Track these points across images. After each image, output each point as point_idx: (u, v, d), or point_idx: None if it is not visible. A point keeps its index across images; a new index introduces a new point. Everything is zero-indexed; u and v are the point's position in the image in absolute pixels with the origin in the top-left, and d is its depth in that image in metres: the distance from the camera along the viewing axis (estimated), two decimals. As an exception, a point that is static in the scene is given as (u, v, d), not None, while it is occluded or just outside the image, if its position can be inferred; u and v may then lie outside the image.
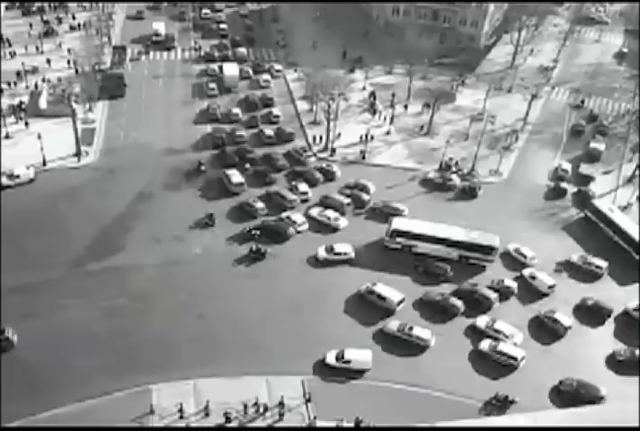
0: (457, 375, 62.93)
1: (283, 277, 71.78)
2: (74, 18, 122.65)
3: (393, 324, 66.44)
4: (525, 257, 77.65)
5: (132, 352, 60.79)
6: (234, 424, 55.91)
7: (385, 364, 62.92)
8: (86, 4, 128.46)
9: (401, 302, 68.66)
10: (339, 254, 73.64)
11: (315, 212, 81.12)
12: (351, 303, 69.47)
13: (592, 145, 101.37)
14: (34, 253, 70.74)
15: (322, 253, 73.82)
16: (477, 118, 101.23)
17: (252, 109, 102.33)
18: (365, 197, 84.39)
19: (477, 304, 69.96)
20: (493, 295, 70.69)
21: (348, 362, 60.64)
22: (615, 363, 66.39)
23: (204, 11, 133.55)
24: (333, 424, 56.40)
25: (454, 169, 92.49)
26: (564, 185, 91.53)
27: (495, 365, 64.32)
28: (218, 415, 55.99)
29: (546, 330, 69.09)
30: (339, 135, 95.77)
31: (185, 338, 62.68)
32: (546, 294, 73.61)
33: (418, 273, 74.20)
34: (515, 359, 63.96)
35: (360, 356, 61.19)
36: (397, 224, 76.27)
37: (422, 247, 75.80)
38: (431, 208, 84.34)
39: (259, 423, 56.43)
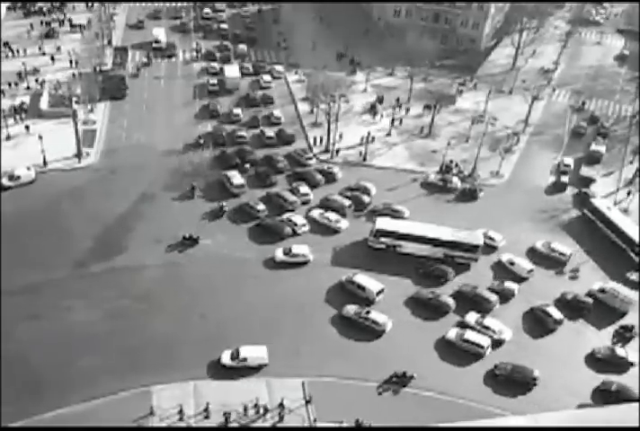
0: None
1: (282, 277, 71.62)
2: (70, 21, 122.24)
3: (351, 308, 67.34)
4: (494, 240, 78.84)
5: (134, 353, 60.75)
6: (234, 425, 55.87)
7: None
8: (87, 4, 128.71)
9: (380, 292, 69.43)
10: (296, 256, 72.89)
11: (315, 214, 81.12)
12: (332, 292, 70.35)
13: (593, 147, 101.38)
14: (36, 254, 70.73)
15: (279, 255, 73.03)
16: (478, 120, 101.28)
17: (252, 106, 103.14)
18: (366, 198, 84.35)
19: (478, 306, 69.90)
20: (494, 297, 70.71)
21: (244, 360, 59.92)
22: (594, 360, 66.31)
23: (205, 10, 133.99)
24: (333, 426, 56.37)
25: (455, 171, 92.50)
26: (564, 179, 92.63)
27: (462, 354, 64.94)
28: (218, 417, 55.93)
29: (538, 323, 69.62)
30: (341, 136, 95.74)
31: (187, 339, 62.63)
32: (525, 279, 75.01)
33: (419, 275, 74.15)
34: (482, 347, 64.55)
35: (255, 352, 60.50)
36: (381, 224, 76.13)
37: (407, 246, 75.76)
38: (432, 210, 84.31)
39: (259, 425, 56.35)
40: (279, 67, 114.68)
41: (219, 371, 60.00)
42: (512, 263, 76.11)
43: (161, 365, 60.00)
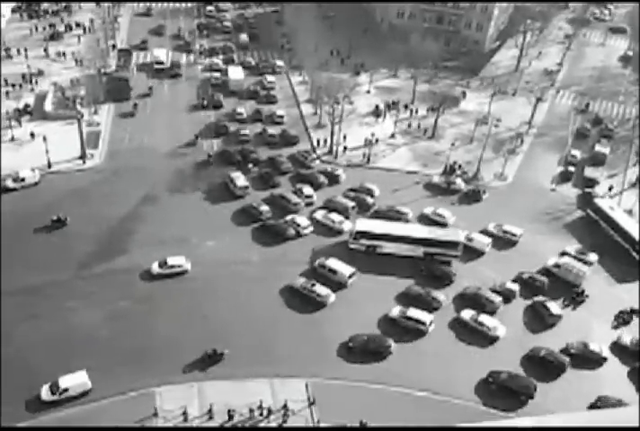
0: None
1: (282, 278, 71.48)
2: (71, 26, 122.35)
3: (299, 280, 69.70)
4: (443, 217, 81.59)
5: (136, 354, 60.71)
6: (238, 426, 55.86)
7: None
8: (96, 4, 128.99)
9: (352, 275, 70.87)
10: (173, 267, 70.03)
11: (319, 215, 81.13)
12: (306, 277, 71.38)
13: (597, 148, 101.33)
14: (40, 255, 70.78)
15: (155, 268, 69.83)
16: (482, 122, 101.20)
17: (252, 98, 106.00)
18: (369, 200, 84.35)
19: (482, 308, 69.84)
20: (498, 299, 70.70)
21: (65, 390, 55.91)
22: (567, 355, 66.18)
23: (208, 8, 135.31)
24: (336, 427, 56.33)
25: (458, 172, 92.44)
26: (571, 169, 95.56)
27: (404, 331, 66.14)
28: (222, 418, 55.93)
29: (537, 318, 70.32)
30: (344, 137, 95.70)
31: (190, 341, 62.56)
32: (483, 253, 77.88)
33: (421, 276, 74.03)
34: (424, 324, 65.56)
35: (76, 380, 56.62)
36: (361, 225, 76.07)
37: (388, 246, 75.74)
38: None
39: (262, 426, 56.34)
40: (279, 62, 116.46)
41: (40, 407, 55.51)
42: (471, 239, 77.93)
43: (164, 367, 60.00)
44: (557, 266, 76.00)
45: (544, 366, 64.26)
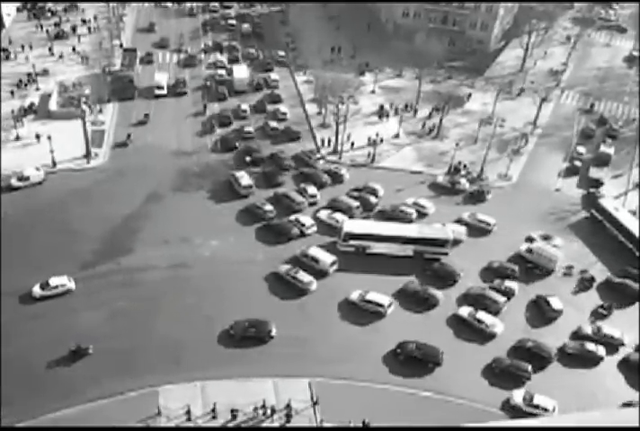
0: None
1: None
2: (76, 25, 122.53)
3: (284, 267, 71.39)
4: (424, 208, 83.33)
5: (139, 353, 60.85)
6: (241, 425, 55.93)
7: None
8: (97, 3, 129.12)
9: (333, 263, 72.32)
10: (55, 288, 66.20)
11: (323, 214, 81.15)
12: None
13: (602, 148, 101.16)
14: (43, 254, 70.90)
15: (36, 290, 66.03)
16: (487, 122, 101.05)
17: (256, 90, 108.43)
18: (374, 200, 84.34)
19: (486, 308, 69.72)
20: (502, 299, 70.61)
21: None
22: (564, 354, 66.42)
23: (212, 4, 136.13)
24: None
25: (463, 172, 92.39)
26: (577, 163, 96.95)
27: (364, 314, 67.82)
28: (226, 417, 56.01)
29: (540, 313, 70.81)
30: (348, 136, 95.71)
31: (193, 340, 62.70)
32: (461, 241, 79.25)
33: (426, 276, 73.98)
34: (382, 306, 67.24)
35: None
36: (349, 226, 75.81)
37: (377, 247, 75.72)
38: (440, 212, 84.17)
39: (266, 426, 56.40)
40: (281, 52, 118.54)
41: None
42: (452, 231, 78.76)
43: (167, 366, 60.09)
44: (530, 251, 77.09)
45: (530, 358, 64.52)
